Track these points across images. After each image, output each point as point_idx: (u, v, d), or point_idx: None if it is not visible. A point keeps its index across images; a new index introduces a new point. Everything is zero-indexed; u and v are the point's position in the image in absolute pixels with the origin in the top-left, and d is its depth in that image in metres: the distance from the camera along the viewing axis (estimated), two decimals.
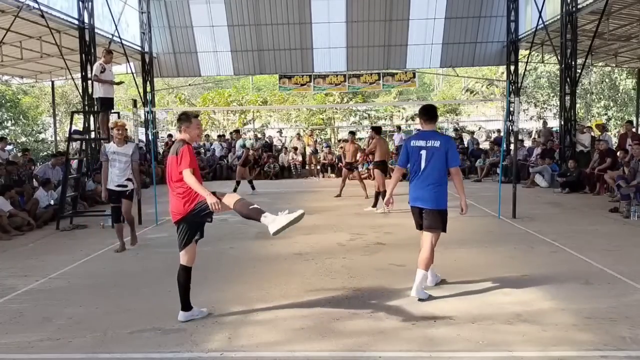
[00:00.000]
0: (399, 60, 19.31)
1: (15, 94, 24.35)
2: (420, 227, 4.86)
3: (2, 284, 5.49)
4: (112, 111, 9.68)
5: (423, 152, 4.71)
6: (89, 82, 13.01)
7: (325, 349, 3.69)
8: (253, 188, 13.08)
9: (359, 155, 12.91)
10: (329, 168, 17.82)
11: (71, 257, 6.59)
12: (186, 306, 4.26)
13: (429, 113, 4.89)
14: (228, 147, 18.91)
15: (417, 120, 24.48)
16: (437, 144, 4.69)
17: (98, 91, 9.30)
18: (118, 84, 9.99)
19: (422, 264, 4.65)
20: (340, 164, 17.20)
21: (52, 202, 9.60)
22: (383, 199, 9.98)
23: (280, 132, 21.77)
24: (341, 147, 14.39)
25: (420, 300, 4.58)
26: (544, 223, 8.21)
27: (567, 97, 14.01)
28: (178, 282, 4.28)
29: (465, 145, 18.35)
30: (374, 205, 10.04)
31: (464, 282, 5.14)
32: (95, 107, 10.38)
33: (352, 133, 12.98)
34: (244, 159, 13.28)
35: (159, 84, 24.75)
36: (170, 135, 21.16)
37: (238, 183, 12.89)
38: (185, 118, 4.32)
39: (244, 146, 15.07)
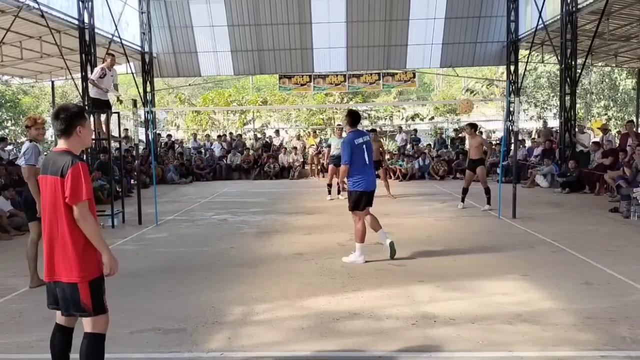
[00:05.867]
0: (399, 60, 19.29)
1: (15, 94, 24.39)
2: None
3: (2, 284, 5.49)
4: (112, 112, 9.68)
5: (364, 147, 5.97)
6: (89, 82, 13.02)
7: (325, 349, 3.68)
8: (338, 192, 11.76)
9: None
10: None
11: None
12: None
13: (356, 118, 6.24)
14: (228, 147, 18.92)
15: (417, 120, 24.54)
16: (368, 138, 6.11)
17: (91, 91, 9.35)
18: (118, 99, 10.09)
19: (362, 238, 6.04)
20: None
21: None
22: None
23: (277, 132, 21.72)
24: None
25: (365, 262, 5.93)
26: (544, 223, 8.21)
27: (567, 97, 14.00)
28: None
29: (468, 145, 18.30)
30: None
31: (464, 282, 5.14)
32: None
33: (374, 131, 12.78)
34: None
35: (159, 84, 24.74)
36: (169, 135, 21.20)
37: (330, 186, 12.05)
38: (78, 114, 2.86)
39: (329, 146, 13.16)
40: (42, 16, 11.58)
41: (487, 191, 9.62)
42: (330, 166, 12.33)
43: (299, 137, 19.99)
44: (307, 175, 17.75)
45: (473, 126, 10.19)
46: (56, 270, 2.86)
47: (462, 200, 10.01)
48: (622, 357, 3.47)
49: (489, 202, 9.62)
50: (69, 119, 2.83)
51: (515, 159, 10.33)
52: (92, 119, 10.92)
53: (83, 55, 13.63)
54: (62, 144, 2.85)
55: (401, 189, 13.39)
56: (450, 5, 18.07)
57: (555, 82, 22.67)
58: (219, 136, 20.65)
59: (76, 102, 9.46)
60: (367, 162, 5.97)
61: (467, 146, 18.23)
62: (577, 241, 6.83)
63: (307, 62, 19.25)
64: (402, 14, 18.31)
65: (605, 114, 24.92)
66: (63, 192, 2.74)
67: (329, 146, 12.96)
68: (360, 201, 6.02)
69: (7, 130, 23.25)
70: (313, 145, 18.75)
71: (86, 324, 2.95)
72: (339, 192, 11.86)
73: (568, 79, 13.90)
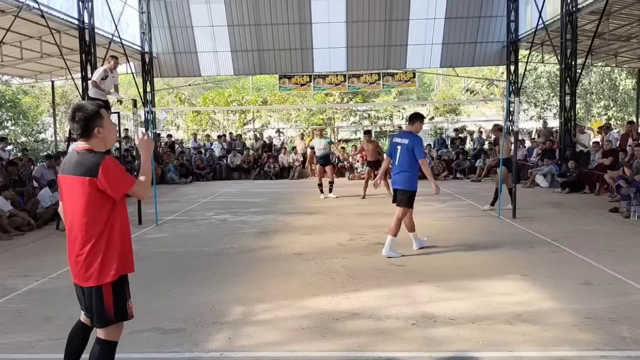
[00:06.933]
0: (399, 60, 19.29)
1: (15, 94, 24.36)
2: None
3: (2, 284, 5.49)
4: (111, 112, 9.68)
5: (398, 148, 6.23)
6: (89, 82, 13.02)
7: (325, 349, 3.68)
8: (330, 191, 12.08)
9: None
10: None
11: None
12: None
13: (411, 117, 6.49)
14: (228, 147, 18.92)
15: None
16: (405, 141, 6.19)
17: (90, 91, 9.37)
18: (119, 101, 10.10)
19: (392, 232, 6.25)
20: (340, 164, 17.28)
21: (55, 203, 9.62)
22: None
23: (278, 132, 21.71)
24: (354, 147, 14.27)
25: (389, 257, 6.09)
26: (544, 223, 8.21)
27: (567, 97, 14.00)
28: None
29: (468, 146, 18.31)
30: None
31: (464, 282, 5.14)
32: None
33: (367, 132, 12.95)
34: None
35: (159, 84, 24.74)
36: (170, 135, 21.21)
37: (321, 185, 12.15)
38: (95, 115, 2.72)
39: (330, 142, 13.14)
40: (42, 16, 11.58)
41: (496, 192, 9.51)
42: (317, 166, 12.40)
43: (302, 137, 19.95)
44: (307, 175, 17.74)
45: (499, 126, 10.24)
46: (79, 274, 2.74)
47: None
48: (622, 357, 3.47)
49: (492, 203, 9.57)
50: (85, 120, 2.67)
51: (515, 159, 10.32)
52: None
53: (83, 55, 13.61)
54: (83, 143, 2.71)
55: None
56: (450, 5, 18.06)
57: (555, 82, 22.68)
58: (219, 136, 20.63)
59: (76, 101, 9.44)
60: (396, 162, 6.28)
61: (468, 145, 18.32)
62: (577, 241, 6.83)
63: (307, 62, 19.24)
64: (402, 14, 18.30)
65: (605, 114, 24.92)
66: (88, 193, 2.61)
67: (313, 148, 13.02)
68: (394, 196, 6.49)
69: (7, 130, 23.21)
70: None
71: (100, 330, 2.81)
72: (330, 191, 11.93)
73: (568, 79, 13.90)
